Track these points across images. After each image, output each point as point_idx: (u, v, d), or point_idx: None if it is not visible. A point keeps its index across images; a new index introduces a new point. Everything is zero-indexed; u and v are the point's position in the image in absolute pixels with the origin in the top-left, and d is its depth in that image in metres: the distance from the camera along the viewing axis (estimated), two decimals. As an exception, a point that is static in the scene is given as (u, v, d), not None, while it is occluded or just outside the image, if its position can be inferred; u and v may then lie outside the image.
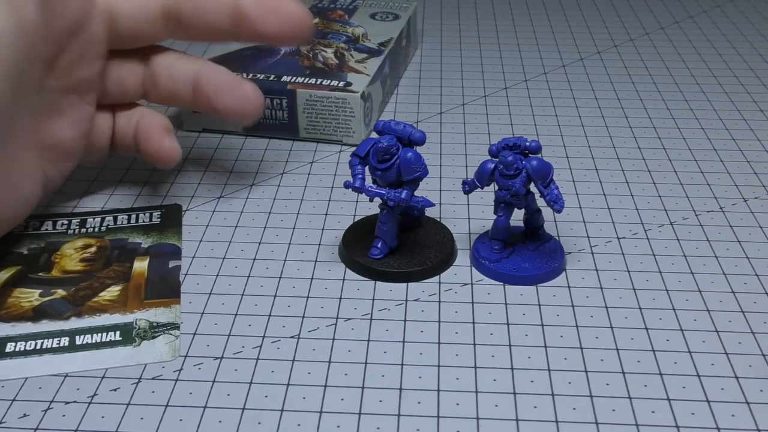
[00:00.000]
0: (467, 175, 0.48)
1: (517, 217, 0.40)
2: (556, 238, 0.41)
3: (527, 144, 0.38)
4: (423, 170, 0.38)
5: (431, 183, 0.47)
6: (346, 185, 0.38)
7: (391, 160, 0.37)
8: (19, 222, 0.39)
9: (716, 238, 0.42)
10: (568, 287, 0.38)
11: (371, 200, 0.39)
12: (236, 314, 0.37)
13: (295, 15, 0.39)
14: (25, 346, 0.35)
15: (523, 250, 0.40)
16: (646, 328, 0.36)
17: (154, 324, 0.36)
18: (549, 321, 0.36)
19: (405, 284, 0.39)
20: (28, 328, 0.36)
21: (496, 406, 0.32)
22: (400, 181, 0.38)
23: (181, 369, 0.34)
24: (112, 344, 0.35)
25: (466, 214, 0.44)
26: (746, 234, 0.42)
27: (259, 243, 0.42)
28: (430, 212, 0.43)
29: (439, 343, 0.35)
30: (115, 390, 0.33)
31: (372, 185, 0.38)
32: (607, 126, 0.54)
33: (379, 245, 0.39)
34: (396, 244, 0.40)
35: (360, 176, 0.38)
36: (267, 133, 0.52)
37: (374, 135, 0.43)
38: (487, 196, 0.45)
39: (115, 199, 0.46)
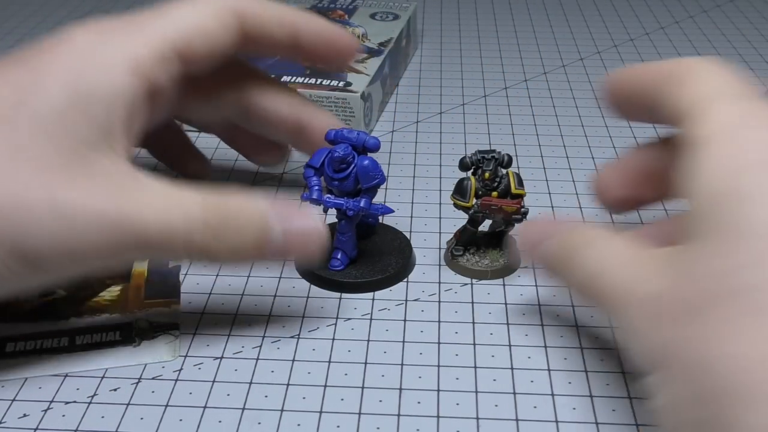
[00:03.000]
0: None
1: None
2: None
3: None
4: (381, 177, 0.37)
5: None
6: (304, 198, 0.38)
7: (348, 169, 0.37)
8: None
9: (716, 238, 0.42)
10: (568, 287, 0.38)
11: (325, 211, 0.38)
12: (236, 314, 0.37)
13: (345, 46, 0.40)
14: (25, 346, 0.35)
15: None
16: (646, 328, 0.36)
17: (154, 324, 0.36)
18: (549, 321, 0.36)
19: (372, 293, 0.38)
20: (28, 328, 0.36)
21: (496, 406, 0.32)
22: (357, 190, 0.38)
23: (181, 369, 0.34)
24: (112, 344, 0.35)
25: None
26: (746, 234, 0.42)
27: (259, 243, 0.42)
28: (385, 218, 0.42)
29: (439, 343, 0.35)
30: (115, 390, 0.33)
31: (329, 196, 0.38)
32: (607, 126, 0.54)
33: (339, 256, 0.39)
34: (356, 254, 0.39)
35: (317, 188, 0.38)
36: (267, 133, 0.52)
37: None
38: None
39: (115, 199, 0.46)
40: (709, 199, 0.25)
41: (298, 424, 0.31)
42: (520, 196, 0.38)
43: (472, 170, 0.38)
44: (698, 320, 0.24)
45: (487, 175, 0.38)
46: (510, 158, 0.38)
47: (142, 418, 0.31)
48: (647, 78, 0.32)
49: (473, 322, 0.36)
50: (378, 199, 0.42)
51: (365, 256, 0.40)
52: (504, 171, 0.38)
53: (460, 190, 0.38)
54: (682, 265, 0.25)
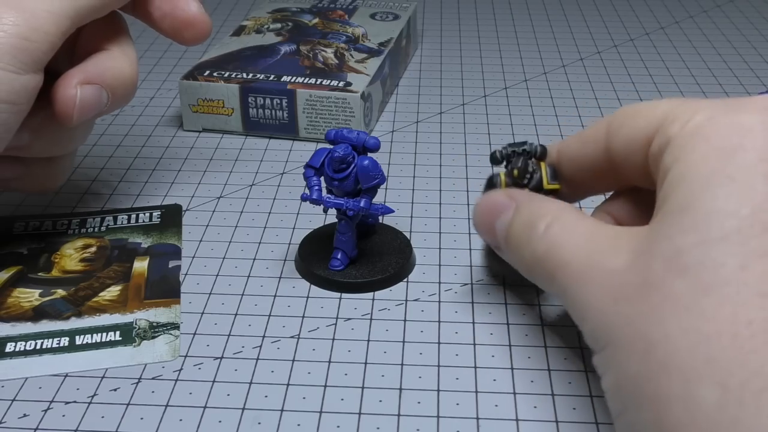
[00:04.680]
0: (467, 174, 0.48)
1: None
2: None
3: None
4: (381, 177, 0.37)
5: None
6: (303, 198, 0.37)
7: (348, 169, 0.37)
8: None
9: (716, 238, 0.42)
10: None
11: (325, 211, 0.38)
12: (236, 314, 0.37)
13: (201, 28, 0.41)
14: (25, 346, 0.35)
15: None
16: (646, 328, 0.36)
17: (154, 324, 0.36)
18: (549, 321, 0.36)
19: (372, 293, 0.38)
20: (28, 328, 0.36)
21: (496, 406, 0.32)
22: (357, 190, 0.38)
23: (181, 369, 0.34)
24: (112, 344, 0.35)
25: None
26: (746, 234, 0.42)
27: (259, 243, 0.42)
28: (385, 218, 0.42)
29: (439, 343, 0.35)
30: (115, 390, 0.33)
31: (329, 196, 0.38)
32: (607, 126, 0.54)
33: (339, 256, 0.39)
34: (356, 254, 0.39)
35: (317, 188, 0.37)
36: (267, 133, 0.53)
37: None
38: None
39: (115, 199, 0.46)
40: (674, 183, 0.26)
41: (298, 424, 0.31)
42: (555, 192, 0.34)
43: (503, 164, 0.36)
44: (649, 298, 0.24)
45: (515, 172, 0.35)
46: (544, 149, 0.35)
47: (142, 418, 0.31)
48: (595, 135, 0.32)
49: (473, 322, 0.36)
50: (378, 199, 0.42)
51: (365, 256, 0.40)
52: (535, 164, 0.35)
53: (490, 188, 0.36)
54: (642, 244, 0.26)
